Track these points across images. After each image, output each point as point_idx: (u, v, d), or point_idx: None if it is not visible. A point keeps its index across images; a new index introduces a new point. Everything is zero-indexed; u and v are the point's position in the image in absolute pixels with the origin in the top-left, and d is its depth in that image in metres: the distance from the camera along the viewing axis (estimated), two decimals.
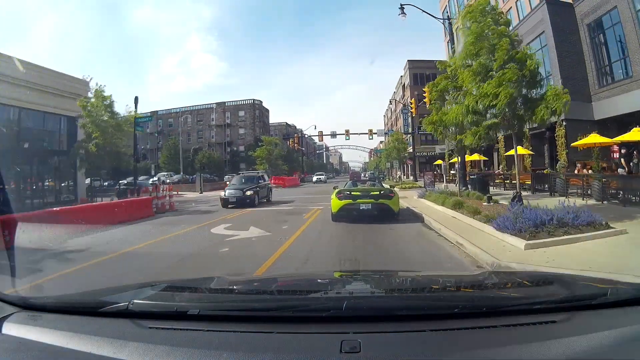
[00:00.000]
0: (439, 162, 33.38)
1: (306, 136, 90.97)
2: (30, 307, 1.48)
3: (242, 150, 60.24)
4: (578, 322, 1.24)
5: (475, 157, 23.33)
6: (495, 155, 25.13)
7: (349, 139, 46.69)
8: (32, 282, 4.77)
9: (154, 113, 58.37)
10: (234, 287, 2.02)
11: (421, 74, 46.16)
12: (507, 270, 4.49)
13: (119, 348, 1.12)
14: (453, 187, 16.38)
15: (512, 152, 13.69)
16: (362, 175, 73.99)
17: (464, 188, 13.85)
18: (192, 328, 1.25)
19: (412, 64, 48.50)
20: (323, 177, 49.69)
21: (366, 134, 45.46)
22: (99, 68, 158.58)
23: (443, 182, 20.34)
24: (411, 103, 26.81)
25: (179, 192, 26.82)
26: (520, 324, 1.22)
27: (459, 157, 15.68)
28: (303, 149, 65.43)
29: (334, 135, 50.76)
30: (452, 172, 22.69)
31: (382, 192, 9.55)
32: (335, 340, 1.09)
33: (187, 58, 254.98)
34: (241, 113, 65.00)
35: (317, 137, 53.75)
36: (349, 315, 1.27)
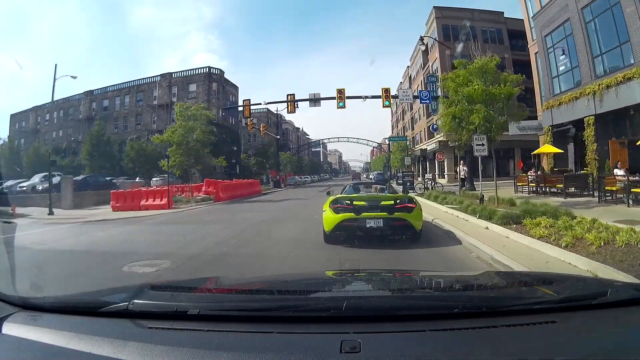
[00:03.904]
0: (548, 149, 16.91)
1: (300, 129, 79.99)
2: (30, 307, 1.48)
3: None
4: (578, 322, 1.25)
5: None
6: None
7: (343, 106, 26.44)
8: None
9: (89, 93, 46.19)
10: (234, 287, 2.02)
11: (454, 26, 30.81)
12: (508, 270, 4.47)
13: (119, 348, 1.12)
14: None
15: None
16: (364, 176, 66.12)
17: None
18: (192, 328, 1.25)
19: (441, 12, 32.58)
20: None
21: (378, 97, 26.37)
22: (99, 67, 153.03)
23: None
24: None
25: (15, 210, 14.59)
26: (520, 324, 1.22)
27: None
28: (279, 137, 49.29)
29: (315, 100, 27.87)
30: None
31: (397, 201, 6.86)
32: (335, 340, 1.10)
33: (188, 57, 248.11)
34: (192, 87, 42.27)
35: (286, 104, 28.23)
36: (349, 315, 1.28)
